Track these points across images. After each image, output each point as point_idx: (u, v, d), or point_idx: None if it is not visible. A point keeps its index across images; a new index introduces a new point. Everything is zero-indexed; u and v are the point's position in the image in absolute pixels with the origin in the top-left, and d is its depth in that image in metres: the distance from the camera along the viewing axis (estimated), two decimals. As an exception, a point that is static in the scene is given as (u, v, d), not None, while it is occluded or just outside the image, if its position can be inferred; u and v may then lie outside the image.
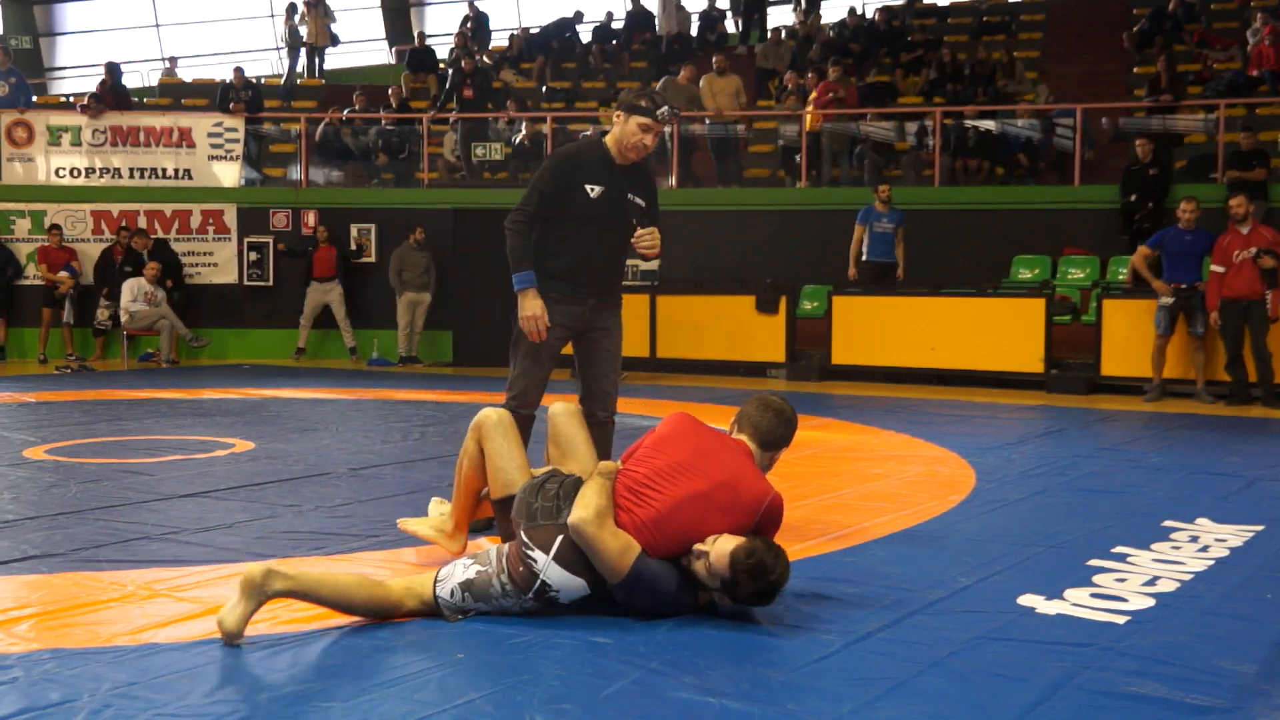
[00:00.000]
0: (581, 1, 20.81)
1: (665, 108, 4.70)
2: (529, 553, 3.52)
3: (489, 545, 3.65)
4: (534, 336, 4.75)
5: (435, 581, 3.56)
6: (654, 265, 13.70)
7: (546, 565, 3.50)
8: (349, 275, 14.50)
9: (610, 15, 20.36)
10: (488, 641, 3.37)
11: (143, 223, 14.70)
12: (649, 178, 4.95)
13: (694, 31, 20.03)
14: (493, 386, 8.87)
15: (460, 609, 3.53)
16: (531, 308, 4.72)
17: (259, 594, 3.35)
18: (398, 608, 3.53)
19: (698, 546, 3.55)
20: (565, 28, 20.03)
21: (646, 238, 4.73)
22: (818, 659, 3.27)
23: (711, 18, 20.01)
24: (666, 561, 3.57)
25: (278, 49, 19.85)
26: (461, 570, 3.56)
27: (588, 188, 4.75)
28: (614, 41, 19.51)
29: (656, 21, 19.92)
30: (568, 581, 3.50)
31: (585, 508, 3.48)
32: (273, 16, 19.83)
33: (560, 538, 3.51)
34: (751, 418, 3.96)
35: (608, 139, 4.82)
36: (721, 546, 3.49)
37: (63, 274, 14.12)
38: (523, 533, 3.57)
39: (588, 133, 15.73)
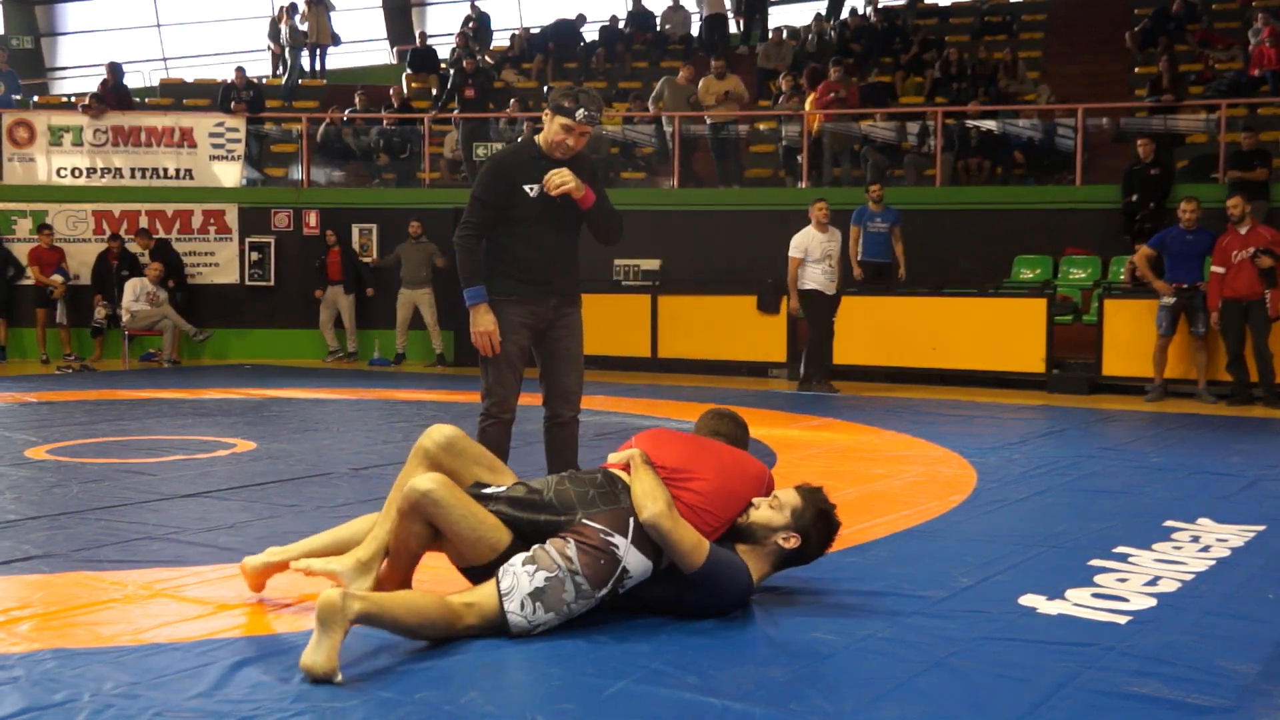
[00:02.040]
0: (583, 3, 20.81)
1: (583, 110, 4.68)
2: (609, 539, 3.42)
3: (549, 547, 3.42)
4: (486, 351, 4.81)
5: (500, 596, 3.36)
6: (655, 264, 13.72)
7: (627, 549, 3.44)
8: (360, 279, 14.45)
9: (615, 19, 20.34)
10: (488, 641, 3.36)
11: (144, 223, 14.70)
12: (585, 163, 4.93)
13: (695, 31, 20.01)
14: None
15: (528, 627, 3.35)
16: (484, 323, 4.78)
17: (343, 621, 3.06)
18: (458, 621, 3.32)
19: (757, 500, 3.71)
20: (566, 31, 19.99)
21: (554, 176, 4.69)
22: (819, 659, 3.28)
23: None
24: (725, 548, 3.62)
25: (281, 47, 19.75)
26: (527, 580, 3.36)
27: (526, 188, 4.78)
28: (619, 45, 19.49)
29: (699, 5, 19.77)
30: (641, 564, 3.47)
31: (656, 500, 3.46)
32: (285, 21, 19.70)
33: (632, 519, 3.47)
34: (706, 425, 4.20)
35: (539, 137, 4.84)
36: (784, 492, 3.72)
37: (55, 277, 14.12)
38: (591, 520, 3.47)
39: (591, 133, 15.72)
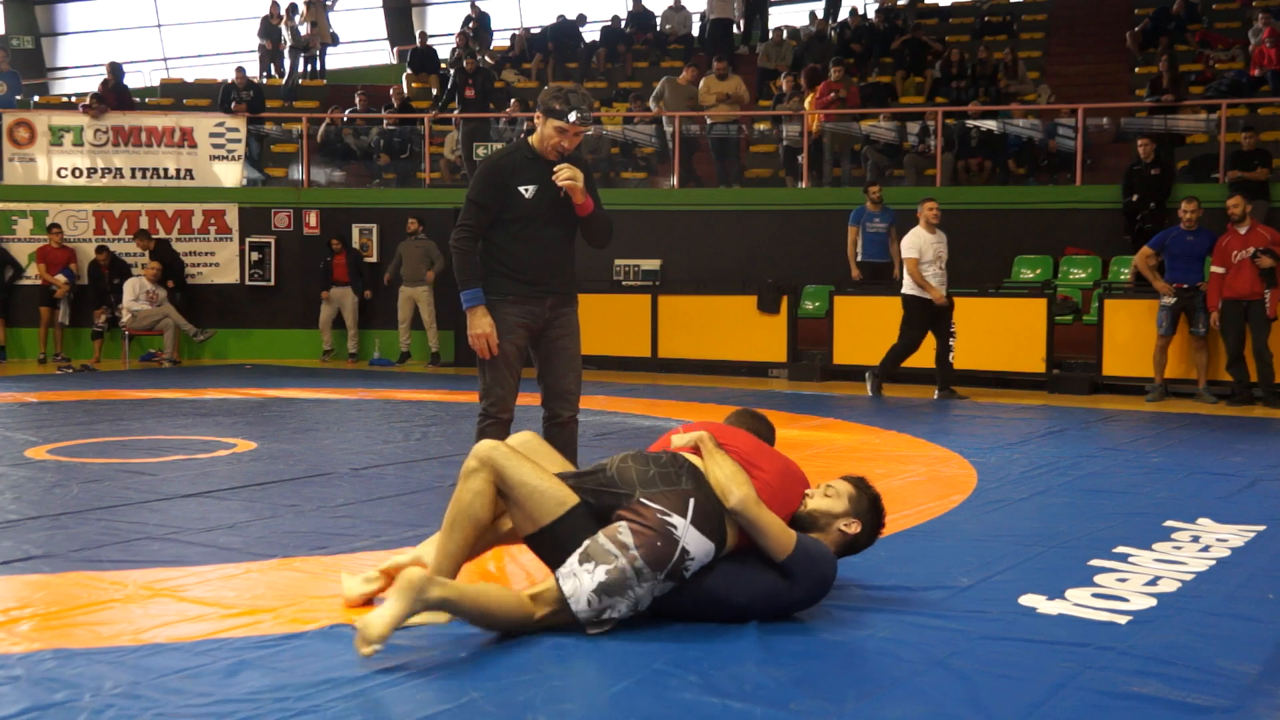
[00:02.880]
0: (583, 2, 20.82)
1: (576, 112, 4.69)
2: (666, 519, 3.36)
3: (601, 539, 3.37)
4: (484, 354, 4.82)
5: (566, 600, 3.33)
6: (655, 264, 13.73)
7: (685, 530, 3.37)
8: (363, 280, 14.44)
9: (617, 19, 20.33)
10: (490, 640, 3.36)
11: (144, 223, 14.70)
12: (580, 164, 4.95)
13: (695, 32, 20.01)
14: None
15: (599, 620, 3.35)
16: (480, 325, 4.79)
17: (416, 601, 3.11)
18: (530, 617, 3.35)
19: (810, 490, 3.77)
20: (567, 30, 20.00)
21: (561, 172, 4.71)
22: (819, 659, 3.28)
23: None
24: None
25: (283, 44, 19.72)
26: (588, 578, 3.32)
27: (521, 189, 4.80)
28: (620, 45, 19.50)
29: (708, 7, 19.73)
30: (702, 546, 3.40)
31: (741, 484, 3.44)
32: (286, 22, 19.69)
33: (692, 501, 3.42)
34: (745, 423, 4.12)
35: (532, 138, 4.86)
36: (837, 481, 3.78)
37: (60, 277, 14.13)
38: (649, 500, 3.42)
39: (588, 133, 15.72)
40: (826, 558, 3.60)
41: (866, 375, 10.81)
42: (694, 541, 3.39)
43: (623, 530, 3.37)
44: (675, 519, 3.38)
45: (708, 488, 3.49)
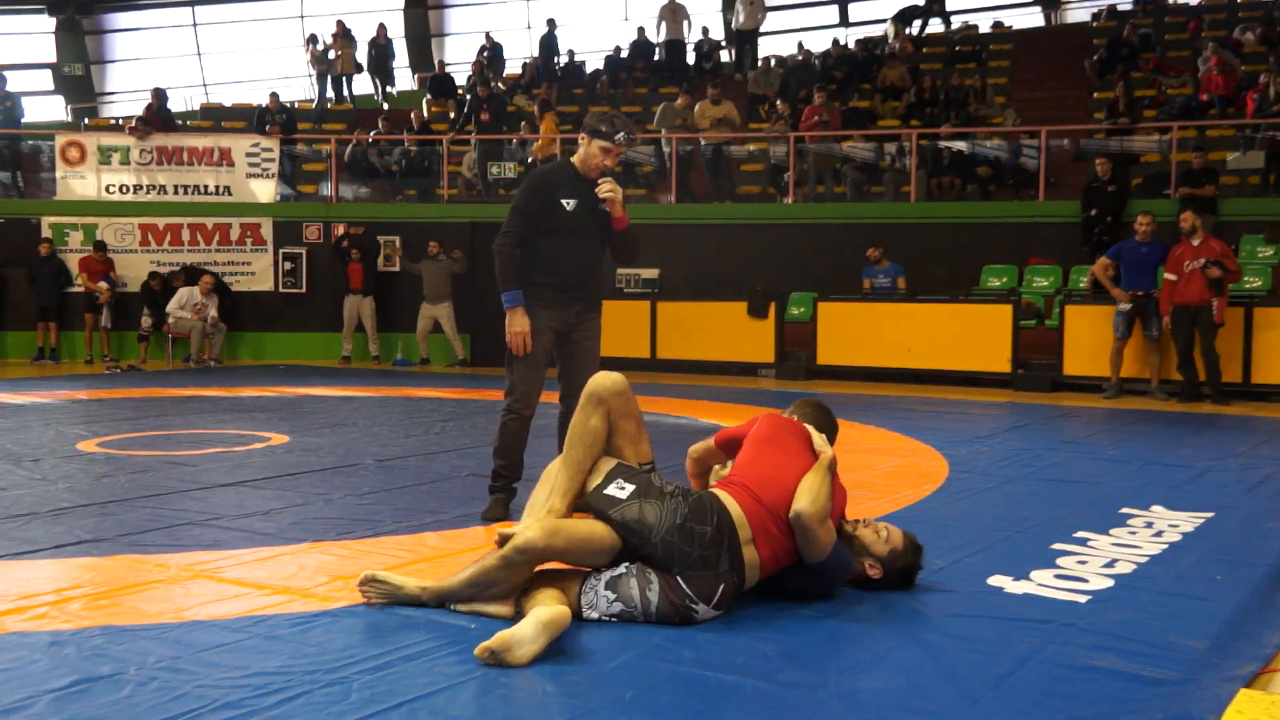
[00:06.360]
0: (588, 33, 20.79)
1: (622, 133, 4.75)
2: (691, 605, 3.32)
3: (632, 585, 3.33)
4: (519, 350, 4.83)
5: (582, 610, 3.35)
6: (654, 273, 13.72)
7: (706, 612, 3.34)
8: (380, 286, 14.44)
9: (618, 49, 20.32)
10: (502, 619, 3.35)
11: (186, 235, 14.70)
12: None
13: (690, 59, 19.99)
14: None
15: (598, 617, 3.37)
16: (519, 324, 4.81)
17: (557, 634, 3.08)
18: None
19: (866, 520, 3.75)
20: (547, 54, 19.98)
21: (604, 185, 4.76)
22: (803, 635, 3.27)
23: (707, 48, 20.02)
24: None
25: (309, 75, 19.74)
26: (605, 604, 3.34)
27: (563, 202, 4.83)
28: (621, 73, 19.49)
29: (659, 29, 19.70)
30: (712, 615, 3.36)
31: (816, 504, 3.41)
32: (308, 45, 19.74)
33: (722, 587, 3.35)
34: (810, 417, 3.95)
35: (575, 158, 4.89)
36: (894, 529, 3.73)
37: (102, 284, 14.14)
38: (684, 581, 3.32)
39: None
40: (839, 562, 3.59)
41: None
42: (709, 615, 3.37)
43: (652, 591, 3.33)
44: (700, 606, 3.33)
45: (742, 567, 3.39)
